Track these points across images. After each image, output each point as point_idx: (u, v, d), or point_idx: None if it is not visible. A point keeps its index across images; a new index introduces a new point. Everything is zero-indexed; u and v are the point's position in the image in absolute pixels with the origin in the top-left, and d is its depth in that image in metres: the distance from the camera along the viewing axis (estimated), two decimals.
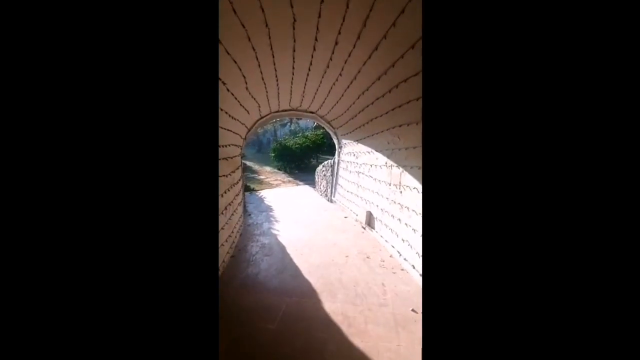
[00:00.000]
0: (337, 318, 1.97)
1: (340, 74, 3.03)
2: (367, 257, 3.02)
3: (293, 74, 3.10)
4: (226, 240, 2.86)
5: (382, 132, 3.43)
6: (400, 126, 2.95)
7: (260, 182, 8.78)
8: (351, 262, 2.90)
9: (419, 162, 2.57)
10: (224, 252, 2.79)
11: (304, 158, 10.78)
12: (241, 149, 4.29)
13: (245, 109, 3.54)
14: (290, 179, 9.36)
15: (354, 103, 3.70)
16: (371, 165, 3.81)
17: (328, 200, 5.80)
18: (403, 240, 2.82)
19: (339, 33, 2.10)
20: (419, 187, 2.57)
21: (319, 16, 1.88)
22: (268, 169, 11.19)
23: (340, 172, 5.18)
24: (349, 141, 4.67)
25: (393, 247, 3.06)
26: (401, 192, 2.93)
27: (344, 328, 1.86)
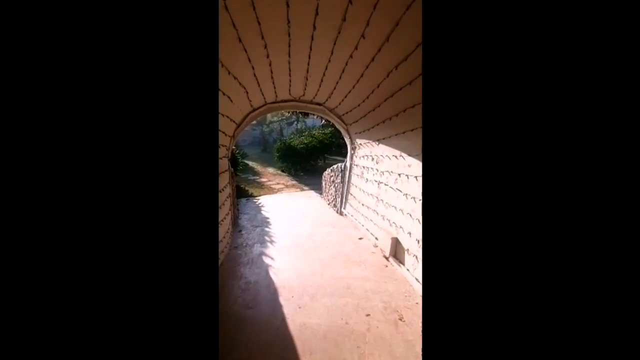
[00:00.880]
0: None
1: (356, 48, 2.03)
2: (400, 319, 2.00)
3: (290, 51, 2.12)
4: None
5: (418, 128, 2.40)
6: None
7: (261, 185, 7.86)
8: (375, 329, 1.89)
9: None
10: None
11: (310, 159, 9.80)
12: (228, 149, 3.34)
13: (229, 98, 2.58)
14: (295, 182, 8.41)
15: (374, 90, 2.67)
16: (399, 175, 2.78)
17: (337, 211, 4.79)
18: None
19: None
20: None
21: None
22: (271, 170, 10.27)
23: (354, 179, 4.17)
24: (366, 141, 3.65)
25: None
26: None
27: None
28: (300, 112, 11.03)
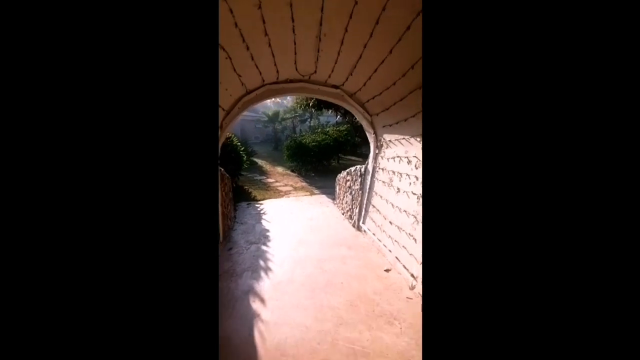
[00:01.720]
0: None
1: (384, 8, 1.11)
2: None
3: (293, 10, 1.23)
4: None
5: None
6: None
7: (267, 187, 7.04)
8: None
9: None
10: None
11: (323, 158, 8.87)
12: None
13: None
14: (304, 184, 7.52)
15: (415, 64, 1.72)
16: None
17: (354, 225, 3.84)
18: None
19: None
20: None
21: None
22: (280, 169, 9.45)
23: (378, 187, 3.19)
24: (399, 137, 2.66)
25: None
26: None
27: None
28: (314, 107, 10.15)
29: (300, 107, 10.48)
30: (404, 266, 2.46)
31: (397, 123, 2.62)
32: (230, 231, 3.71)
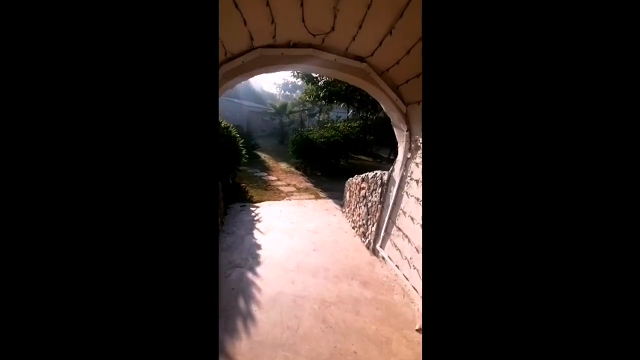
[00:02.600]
0: None
1: None
2: None
3: None
4: None
5: None
6: None
7: (267, 185, 6.26)
8: None
9: None
10: None
11: (331, 156, 8.02)
12: None
13: None
14: (309, 184, 6.71)
15: None
16: None
17: (368, 246, 3.02)
18: None
19: None
20: None
21: None
22: (284, 166, 8.66)
23: (407, 204, 2.35)
24: None
25: None
26: None
27: None
28: (324, 99, 9.20)
29: (310, 98, 9.65)
30: None
31: None
32: None
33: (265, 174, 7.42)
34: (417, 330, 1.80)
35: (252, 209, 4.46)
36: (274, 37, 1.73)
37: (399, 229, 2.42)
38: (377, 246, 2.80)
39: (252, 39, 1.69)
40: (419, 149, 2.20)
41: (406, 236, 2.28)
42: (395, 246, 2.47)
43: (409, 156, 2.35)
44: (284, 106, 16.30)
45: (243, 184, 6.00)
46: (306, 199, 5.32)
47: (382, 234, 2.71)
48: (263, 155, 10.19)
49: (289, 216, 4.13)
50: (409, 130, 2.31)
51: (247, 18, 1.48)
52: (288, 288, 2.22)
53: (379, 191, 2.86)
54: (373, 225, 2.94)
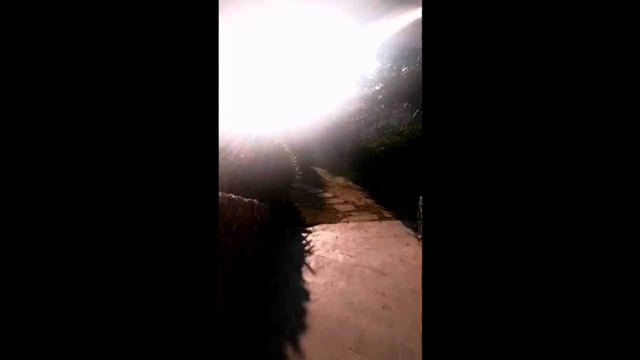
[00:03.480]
0: None
1: None
2: None
3: None
4: None
5: None
6: None
7: (321, 204, 5.58)
8: None
9: None
10: None
11: (394, 166, 6.86)
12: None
13: None
14: (370, 200, 5.74)
15: None
16: None
17: None
18: None
19: None
20: None
21: None
22: (340, 180, 7.93)
23: None
24: None
25: None
26: None
27: None
28: (383, 103, 8.20)
29: (365, 104, 8.84)
30: None
31: None
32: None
33: (321, 190, 6.81)
34: None
35: (304, 234, 3.79)
36: None
37: None
38: None
39: None
40: None
41: None
42: None
43: None
44: (339, 118, 15.92)
45: (296, 204, 5.49)
46: (368, 220, 4.37)
47: None
48: (319, 170, 9.73)
49: (346, 245, 3.27)
50: None
51: None
52: None
53: None
54: None
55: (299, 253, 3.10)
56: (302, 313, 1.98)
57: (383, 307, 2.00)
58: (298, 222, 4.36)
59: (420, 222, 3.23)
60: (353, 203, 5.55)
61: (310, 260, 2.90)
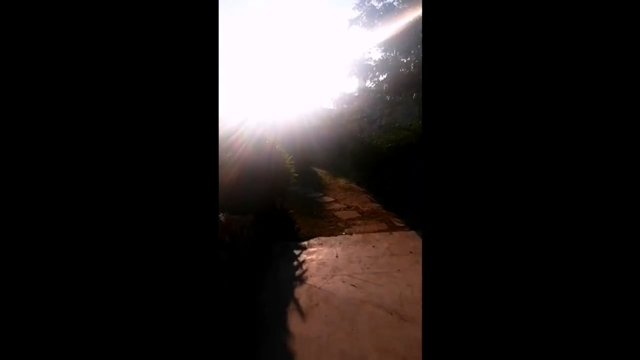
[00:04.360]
0: None
1: None
2: None
3: None
4: None
5: None
6: None
7: (320, 210, 4.84)
8: None
9: None
10: None
11: (402, 165, 6.07)
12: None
13: None
14: (377, 205, 4.99)
15: None
16: None
17: None
18: None
19: None
20: None
21: None
22: (342, 182, 7.19)
23: None
24: None
25: None
26: None
27: None
28: (389, 94, 7.43)
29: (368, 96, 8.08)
30: None
31: None
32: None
33: (320, 194, 6.06)
34: None
35: (297, 251, 3.06)
36: None
37: None
38: None
39: None
40: None
41: None
42: None
43: None
44: (339, 116, 15.14)
45: (291, 211, 4.75)
46: (375, 230, 3.62)
47: None
48: (319, 171, 8.99)
49: (349, 267, 2.53)
50: None
51: None
52: None
53: None
54: None
55: (288, 282, 2.36)
56: None
57: None
58: (291, 235, 3.62)
59: None
60: (357, 208, 4.81)
61: (301, 293, 2.16)
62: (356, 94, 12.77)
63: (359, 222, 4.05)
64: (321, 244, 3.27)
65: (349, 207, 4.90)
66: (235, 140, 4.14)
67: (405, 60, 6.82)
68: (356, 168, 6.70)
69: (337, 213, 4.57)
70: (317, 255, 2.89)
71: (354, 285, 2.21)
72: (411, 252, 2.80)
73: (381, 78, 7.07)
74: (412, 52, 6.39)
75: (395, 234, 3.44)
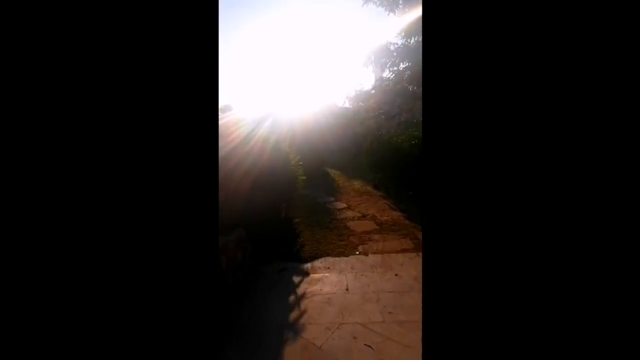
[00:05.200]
0: None
1: None
2: None
3: None
4: None
5: None
6: None
7: (330, 219, 4.14)
8: None
9: None
10: None
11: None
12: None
13: None
14: (397, 213, 4.21)
15: None
16: None
17: None
18: None
19: None
20: None
21: None
22: (357, 184, 6.44)
23: None
24: None
25: None
26: None
27: None
28: (410, 84, 6.61)
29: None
30: None
31: None
32: None
33: (332, 198, 5.36)
34: None
35: (296, 278, 2.39)
36: None
37: None
38: None
39: None
40: None
41: None
42: None
43: None
44: (355, 114, 14.29)
45: (297, 220, 4.10)
46: (398, 250, 2.87)
47: None
48: (332, 172, 8.29)
49: (363, 310, 1.82)
50: None
51: None
52: None
53: None
54: None
55: (277, 330, 1.70)
56: None
57: None
58: (292, 253, 2.96)
59: None
60: (373, 218, 4.05)
61: (294, 353, 1.49)
62: (372, 91, 11.97)
63: (376, 236, 3.31)
64: (328, 267, 2.58)
65: (364, 216, 4.16)
66: (235, 142, 3.55)
67: None
68: (373, 169, 5.94)
69: (350, 224, 3.85)
70: (322, 286, 2.21)
71: (369, 347, 1.51)
72: None
73: (401, 67, 6.24)
74: None
75: (420, 258, 2.67)
